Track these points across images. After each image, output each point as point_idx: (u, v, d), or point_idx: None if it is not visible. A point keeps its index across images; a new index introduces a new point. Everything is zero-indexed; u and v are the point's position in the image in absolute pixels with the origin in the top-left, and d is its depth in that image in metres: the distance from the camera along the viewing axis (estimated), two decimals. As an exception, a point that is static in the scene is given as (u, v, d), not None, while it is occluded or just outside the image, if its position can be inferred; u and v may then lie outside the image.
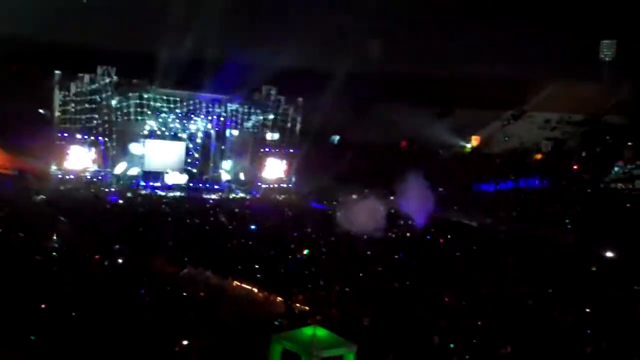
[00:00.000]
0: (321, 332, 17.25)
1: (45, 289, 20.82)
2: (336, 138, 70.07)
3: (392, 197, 46.68)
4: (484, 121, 73.23)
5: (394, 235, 40.97)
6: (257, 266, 28.21)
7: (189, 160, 59.41)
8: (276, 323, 20.38)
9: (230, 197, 56.20)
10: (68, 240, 28.58)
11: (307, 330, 17.26)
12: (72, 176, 52.59)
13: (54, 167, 52.22)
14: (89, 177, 53.32)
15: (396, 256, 33.63)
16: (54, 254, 26.41)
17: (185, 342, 17.13)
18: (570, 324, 23.01)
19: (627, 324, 22.87)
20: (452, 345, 19.55)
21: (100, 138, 53.97)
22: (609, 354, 19.59)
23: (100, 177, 53.79)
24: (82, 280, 22.31)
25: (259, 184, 60.64)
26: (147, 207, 45.03)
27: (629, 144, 61.43)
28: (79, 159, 53.59)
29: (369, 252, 34.12)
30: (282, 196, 58.74)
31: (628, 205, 49.79)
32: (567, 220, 46.17)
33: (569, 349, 20.03)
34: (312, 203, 53.89)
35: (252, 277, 25.99)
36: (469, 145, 76.18)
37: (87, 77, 52.94)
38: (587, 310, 24.95)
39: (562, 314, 24.02)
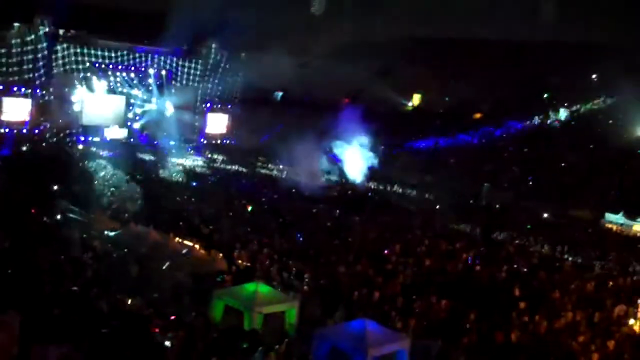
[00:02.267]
0: (263, 288, 17.44)
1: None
2: (279, 94, 69.86)
3: (333, 154, 46.87)
4: (425, 80, 73.88)
5: (336, 193, 41.46)
6: (198, 223, 28.25)
7: (129, 116, 58.35)
8: (218, 279, 20.49)
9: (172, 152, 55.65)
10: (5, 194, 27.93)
11: (250, 287, 17.40)
12: (7, 129, 51.06)
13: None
14: (24, 131, 51.85)
15: (337, 212, 34.11)
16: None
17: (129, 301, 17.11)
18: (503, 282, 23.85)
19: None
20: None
21: (37, 91, 52.46)
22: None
23: (36, 131, 52.40)
24: (19, 237, 21.97)
25: (202, 139, 60.14)
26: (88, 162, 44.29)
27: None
28: (15, 112, 52.06)
29: (313, 210, 34.51)
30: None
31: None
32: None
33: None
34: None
35: (194, 234, 26.01)
36: (410, 104, 76.98)
37: (23, 27, 51.09)
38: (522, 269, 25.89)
39: (496, 271, 24.86)
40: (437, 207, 39.27)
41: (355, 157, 44.98)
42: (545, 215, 39.59)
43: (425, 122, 65.41)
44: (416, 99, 76.81)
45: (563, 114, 65.71)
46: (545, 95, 68.24)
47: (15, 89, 51.20)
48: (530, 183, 47.16)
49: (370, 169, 45.85)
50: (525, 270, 25.40)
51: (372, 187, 45.22)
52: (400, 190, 44.90)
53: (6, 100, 51.26)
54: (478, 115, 68.02)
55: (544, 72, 68.37)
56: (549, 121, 63.93)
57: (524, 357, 17.03)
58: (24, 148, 46.95)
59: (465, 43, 71.67)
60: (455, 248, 28.10)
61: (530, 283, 23.38)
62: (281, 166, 45.65)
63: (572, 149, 54.15)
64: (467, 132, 60.91)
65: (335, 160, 46.11)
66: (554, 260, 28.07)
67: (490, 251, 28.08)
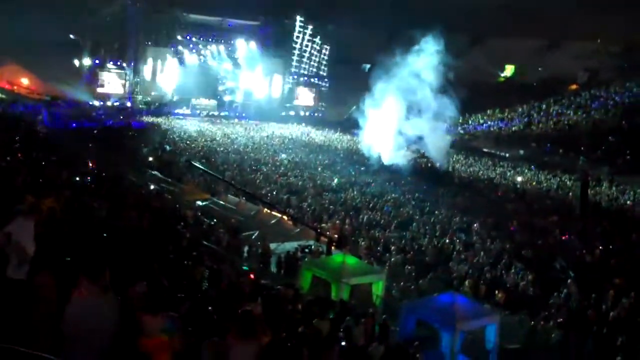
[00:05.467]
0: (351, 260, 17.37)
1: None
2: (367, 66, 69.32)
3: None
4: (517, 50, 71.34)
5: (423, 165, 40.98)
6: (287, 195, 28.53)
7: (219, 88, 59.34)
8: (306, 250, 20.60)
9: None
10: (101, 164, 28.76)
11: (337, 258, 17.39)
12: (101, 102, 52.78)
13: (84, 93, 52.44)
14: (118, 103, 53.48)
15: (425, 186, 33.63)
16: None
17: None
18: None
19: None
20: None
21: (131, 64, 54.00)
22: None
23: (128, 104, 53.96)
24: (116, 206, 22.55)
25: (289, 112, 60.60)
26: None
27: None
28: (109, 85, 53.83)
29: (402, 182, 34.25)
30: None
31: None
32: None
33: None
34: None
35: (282, 205, 26.25)
36: (502, 74, 74.82)
37: (117, 3, 52.56)
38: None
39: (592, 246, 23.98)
40: (529, 181, 38.29)
41: (442, 130, 43.98)
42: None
43: (518, 93, 63.49)
44: (508, 70, 74.63)
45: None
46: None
47: (110, 63, 52.93)
48: (628, 156, 45.05)
49: (458, 141, 44.94)
50: (622, 246, 24.39)
51: (460, 160, 44.42)
52: (491, 163, 43.95)
53: (102, 74, 53.13)
54: (574, 87, 65.51)
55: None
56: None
57: (620, 335, 16.38)
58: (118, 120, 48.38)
59: (562, 10, 68.66)
60: (547, 222, 27.31)
61: (627, 259, 22.43)
62: (366, 138, 45.16)
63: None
64: (562, 104, 58.84)
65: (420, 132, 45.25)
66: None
67: (586, 226, 27.02)
